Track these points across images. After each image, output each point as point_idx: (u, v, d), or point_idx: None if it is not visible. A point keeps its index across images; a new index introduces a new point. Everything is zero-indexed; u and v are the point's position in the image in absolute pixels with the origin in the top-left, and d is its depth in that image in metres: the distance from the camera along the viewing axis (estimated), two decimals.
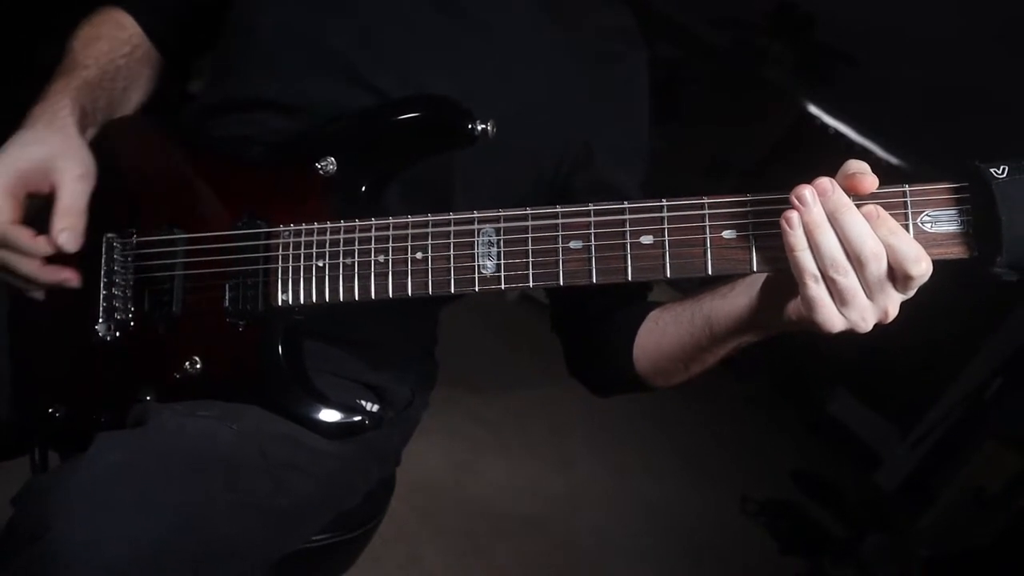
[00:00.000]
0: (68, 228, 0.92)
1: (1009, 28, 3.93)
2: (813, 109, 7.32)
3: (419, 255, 0.87)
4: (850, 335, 0.75)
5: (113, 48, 1.08)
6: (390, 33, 1.01)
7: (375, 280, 0.90)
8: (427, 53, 1.01)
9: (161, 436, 0.84)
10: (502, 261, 0.85)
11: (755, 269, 0.77)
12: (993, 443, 4.39)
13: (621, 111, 1.10)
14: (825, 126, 7.33)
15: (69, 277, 0.97)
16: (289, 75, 1.02)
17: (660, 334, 0.98)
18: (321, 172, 0.95)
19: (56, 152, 0.93)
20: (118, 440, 0.82)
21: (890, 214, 0.70)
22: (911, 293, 0.72)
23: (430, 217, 0.88)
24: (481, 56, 1.02)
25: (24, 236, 0.92)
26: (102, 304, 1.01)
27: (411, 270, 0.88)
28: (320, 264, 0.92)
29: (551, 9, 1.06)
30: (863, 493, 4.99)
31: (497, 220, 0.85)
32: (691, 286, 0.94)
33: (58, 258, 0.96)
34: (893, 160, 6.71)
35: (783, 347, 6.12)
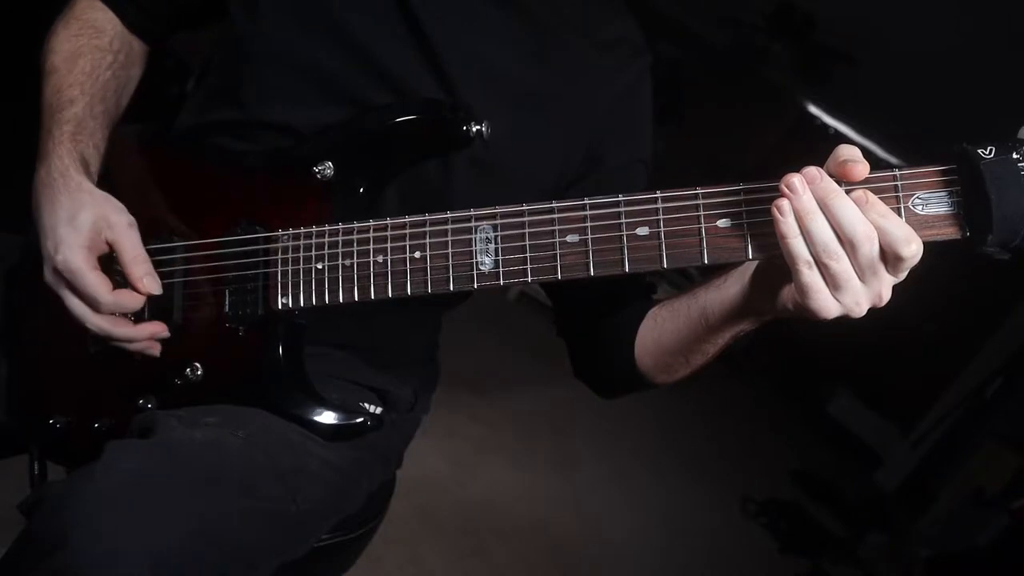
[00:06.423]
0: (147, 273, 0.95)
1: (1009, 26, 3.93)
2: (813, 109, 7.33)
3: (417, 254, 0.88)
4: (845, 320, 0.75)
5: (96, 64, 1.07)
6: (390, 56, 1.00)
7: (374, 280, 0.90)
8: (425, 73, 1.00)
9: (171, 446, 0.83)
10: (500, 257, 0.85)
11: (750, 257, 0.77)
12: (993, 443, 4.40)
13: (624, 122, 1.09)
14: (825, 126, 7.34)
15: (159, 329, 0.98)
16: (293, 101, 1.02)
17: (659, 330, 0.99)
18: (319, 176, 0.95)
19: (97, 212, 0.95)
20: (130, 449, 0.81)
21: (881, 198, 0.71)
22: (903, 275, 0.73)
23: (427, 216, 0.88)
24: (479, 73, 1.01)
25: (128, 298, 0.94)
26: None
27: (410, 269, 0.88)
28: (319, 266, 0.92)
29: (553, 23, 1.05)
30: (863, 493, 4.99)
31: (494, 217, 0.86)
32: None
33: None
34: (893, 160, 6.72)
35: (784, 347, 6.12)
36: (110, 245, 0.95)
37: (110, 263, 0.96)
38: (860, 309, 0.73)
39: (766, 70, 6.32)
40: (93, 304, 0.93)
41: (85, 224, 0.94)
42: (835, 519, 4.36)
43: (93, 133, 1.03)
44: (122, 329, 0.95)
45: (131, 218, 0.97)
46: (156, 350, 0.98)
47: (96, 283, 0.93)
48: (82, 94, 1.04)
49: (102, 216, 0.95)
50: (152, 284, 0.95)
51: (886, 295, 0.73)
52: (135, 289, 0.94)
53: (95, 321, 0.94)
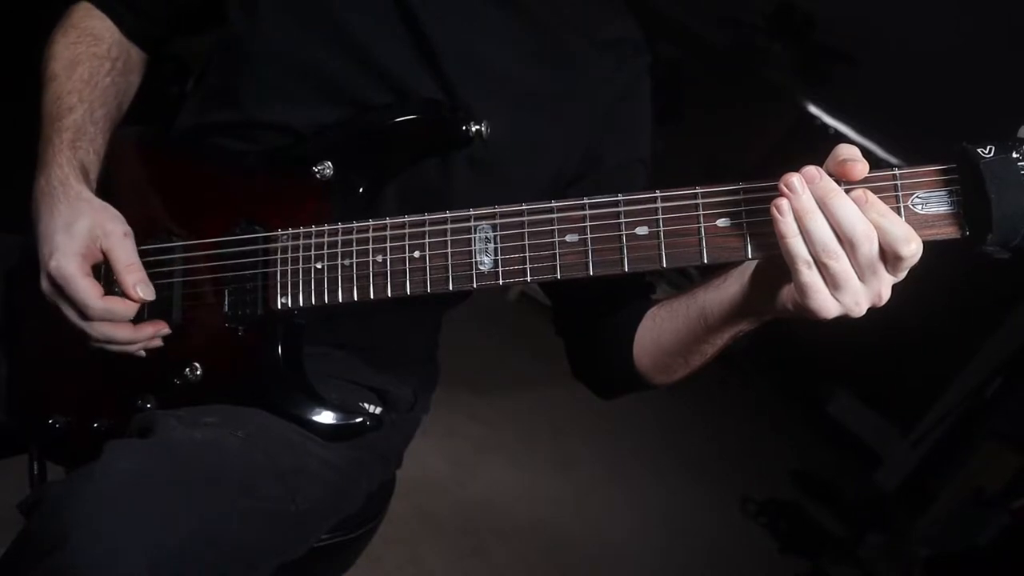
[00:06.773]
0: (139, 281, 0.95)
1: (1009, 26, 3.93)
2: (813, 109, 7.33)
3: (416, 254, 0.88)
4: (845, 320, 0.75)
5: (94, 71, 1.07)
6: (390, 56, 1.00)
7: (374, 280, 0.90)
8: (424, 73, 1.00)
9: (171, 446, 0.83)
10: (499, 257, 0.85)
11: (750, 256, 0.77)
12: (993, 443, 4.39)
13: (623, 122, 1.10)
14: (825, 126, 7.34)
15: (160, 328, 0.98)
16: (293, 101, 1.02)
17: (658, 330, 0.99)
18: (318, 176, 0.95)
19: (94, 221, 0.95)
20: (129, 449, 0.81)
21: (881, 197, 0.71)
22: (902, 275, 0.73)
23: (427, 216, 0.88)
24: (478, 73, 1.01)
25: (119, 304, 0.95)
26: None
27: (409, 269, 0.88)
28: (319, 266, 0.92)
29: (553, 23, 1.05)
30: (863, 493, 4.99)
31: (493, 216, 0.86)
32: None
33: None
34: (893, 160, 6.72)
35: (784, 347, 6.11)
36: (105, 254, 0.95)
37: (109, 271, 0.96)
38: (860, 309, 0.73)
39: (766, 70, 6.32)
40: (83, 310, 0.93)
41: (81, 232, 0.94)
42: (835, 519, 4.36)
43: (93, 139, 1.04)
44: (123, 333, 0.96)
45: (127, 227, 0.97)
46: (158, 341, 0.98)
47: (86, 289, 0.93)
48: (81, 101, 1.04)
49: (98, 224, 0.95)
50: (146, 291, 0.95)
51: (886, 295, 0.73)
52: (128, 297, 0.94)
53: (94, 328, 0.95)
